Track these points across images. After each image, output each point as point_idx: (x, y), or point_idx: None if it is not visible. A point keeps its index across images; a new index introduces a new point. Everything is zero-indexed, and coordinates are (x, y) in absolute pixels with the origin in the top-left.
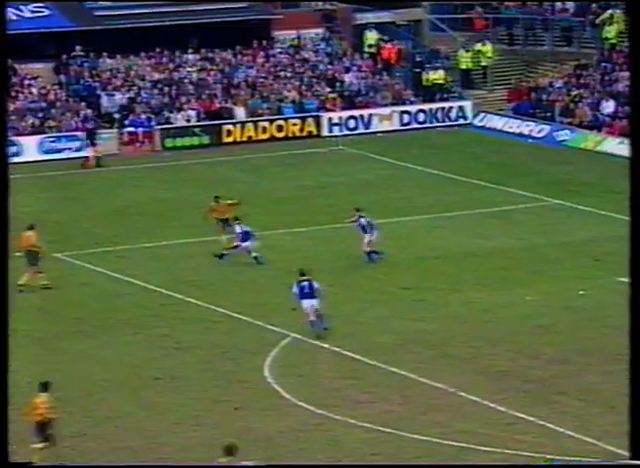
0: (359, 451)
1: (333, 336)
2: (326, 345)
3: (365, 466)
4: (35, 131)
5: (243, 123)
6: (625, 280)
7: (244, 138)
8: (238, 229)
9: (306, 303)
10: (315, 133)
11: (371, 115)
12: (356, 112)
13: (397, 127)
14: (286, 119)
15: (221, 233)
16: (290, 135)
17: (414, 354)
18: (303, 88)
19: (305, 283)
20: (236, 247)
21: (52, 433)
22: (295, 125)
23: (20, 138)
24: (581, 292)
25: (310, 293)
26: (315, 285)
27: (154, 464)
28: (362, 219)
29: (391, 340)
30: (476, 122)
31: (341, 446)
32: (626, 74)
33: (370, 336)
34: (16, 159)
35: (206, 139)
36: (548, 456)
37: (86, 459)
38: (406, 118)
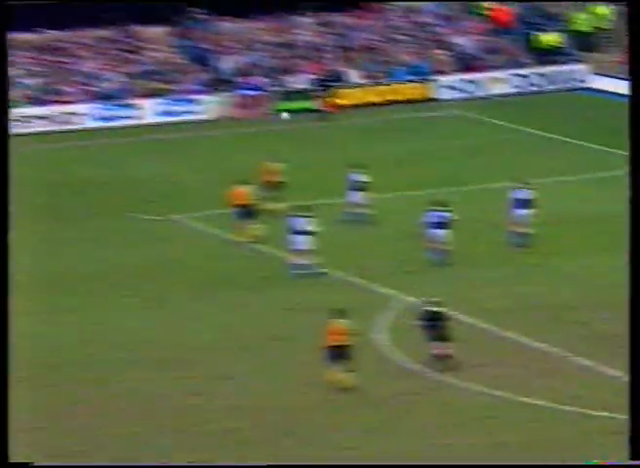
0: (472, 414)
1: (447, 300)
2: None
3: (365, 466)
4: (152, 93)
5: (357, 86)
6: None
7: (357, 102)
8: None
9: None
10: (429, 96)
11: (484, 78)
12: (470, 75)
13: (511, 90)
14: (400, 82)
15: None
16: (402, 98)
17: (525, 318)
18: (418, 50)
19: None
20: None
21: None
22: (409, 88)
23: (137, 101)
24: None
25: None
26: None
27: (162, 464)
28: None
29: (503, 304)
30: (592, 85)
31: (454, 409)
32: None
33: (482, 301)
34: (133, 122)
35: (319, 103)
36: None
37: (198, 419)
38: (519, 81)
